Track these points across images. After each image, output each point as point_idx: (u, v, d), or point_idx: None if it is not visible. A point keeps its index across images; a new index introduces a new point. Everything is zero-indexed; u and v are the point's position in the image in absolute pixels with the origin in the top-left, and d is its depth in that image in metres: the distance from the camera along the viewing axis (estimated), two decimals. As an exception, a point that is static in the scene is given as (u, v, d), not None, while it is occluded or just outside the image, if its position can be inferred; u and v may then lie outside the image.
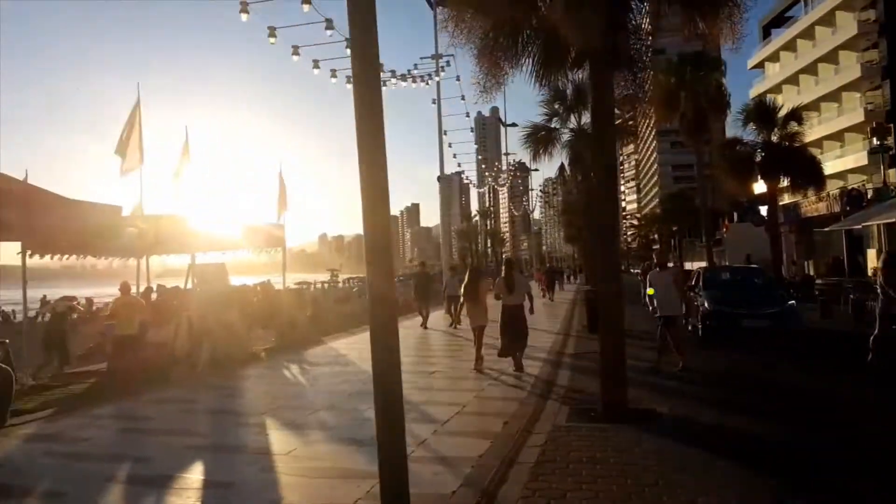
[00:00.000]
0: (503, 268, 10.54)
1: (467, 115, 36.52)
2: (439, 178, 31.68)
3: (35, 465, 6.19)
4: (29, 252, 11.54)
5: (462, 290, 11.25)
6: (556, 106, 20.57)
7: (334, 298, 30.70)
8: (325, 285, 49.54)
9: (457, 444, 6.33)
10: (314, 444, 6.56)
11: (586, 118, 20.98)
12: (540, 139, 21.62)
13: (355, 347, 14.40)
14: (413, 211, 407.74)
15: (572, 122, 21.52)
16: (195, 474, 5.74)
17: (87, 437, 7.21)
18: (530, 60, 9.46)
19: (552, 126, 21.23)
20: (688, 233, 54.76)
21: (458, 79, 31.25)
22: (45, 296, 25.81)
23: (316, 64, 20.44)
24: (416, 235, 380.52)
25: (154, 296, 14.14)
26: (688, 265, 41.63)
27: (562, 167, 27.52)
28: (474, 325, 10.92)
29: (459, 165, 44.84)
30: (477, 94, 9.56)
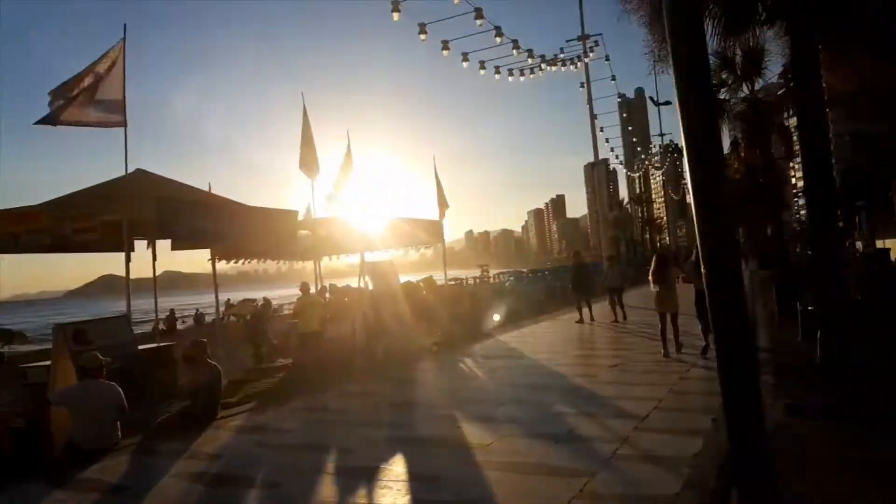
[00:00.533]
0: (695, 251, 9.82)
1: (620, 96, 34.97)
2: (593, 165, 30.52)
3: (249, 456, 6.48)
4: (217, 258, 12.44)
5: (650, 275, 10.61)
6: (724, 75, 18.88)
7: (490, 292, 30.92)
8: (477, 280, 50.19)
9: (664, 441, 5.84)
10: (509, 439, 6.34)
11: (758, 84, 19.27)
12: (707, 113, 19.82)
13: (525, 341, 14.14)
14: (558, 202, 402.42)
15: (743, 92, 19.67)
16: (398, 466, 5.72)
17: (289, 429, 7.53)
18: (712, 22, 8.80)
19: (721, 97, 19.51)
20: (878, 207, 48.74)
21: (607, 59, 30.13)
22: (228, 299, 28.13)
23: (465, 57, 20.46)
24: (563, 227, 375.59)
25: (327, 295, 14.80)
26: (879, 243, 37.25)
27: (734, 142, 25.28)
28: (664, 310, 10.29)
29: (613, 150, 43.15)
30: (650, 64, 8.99)
